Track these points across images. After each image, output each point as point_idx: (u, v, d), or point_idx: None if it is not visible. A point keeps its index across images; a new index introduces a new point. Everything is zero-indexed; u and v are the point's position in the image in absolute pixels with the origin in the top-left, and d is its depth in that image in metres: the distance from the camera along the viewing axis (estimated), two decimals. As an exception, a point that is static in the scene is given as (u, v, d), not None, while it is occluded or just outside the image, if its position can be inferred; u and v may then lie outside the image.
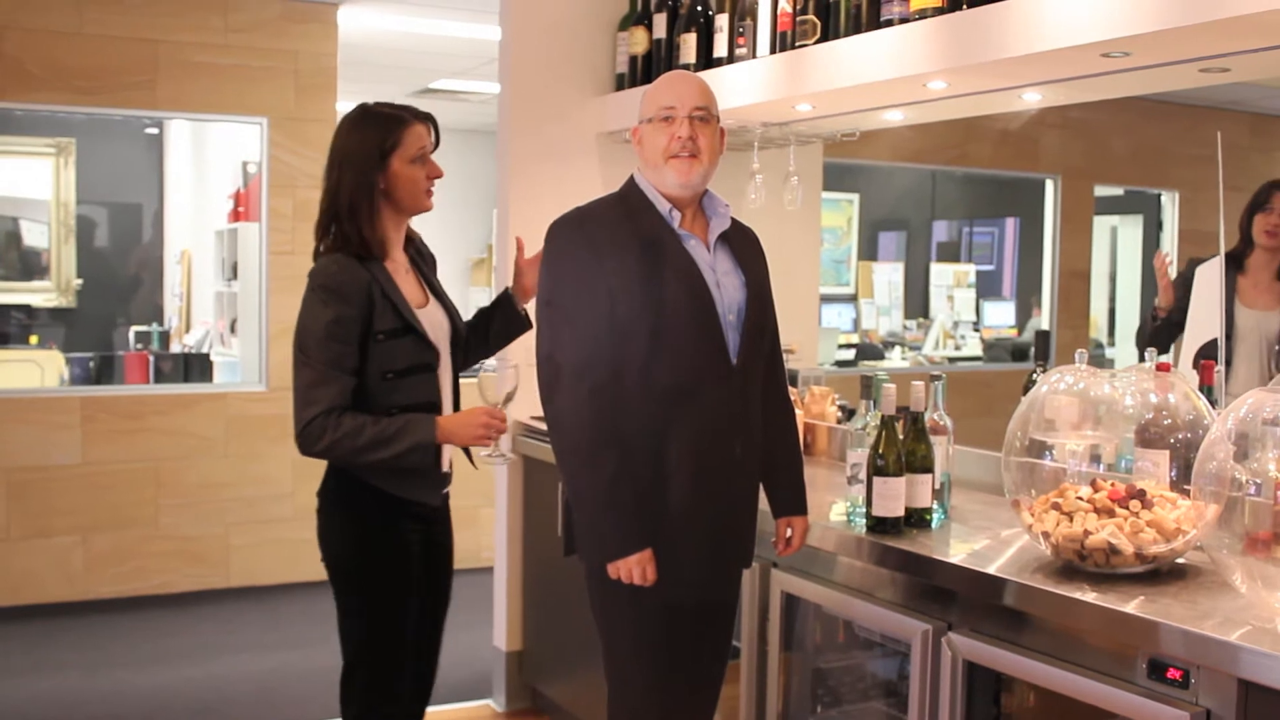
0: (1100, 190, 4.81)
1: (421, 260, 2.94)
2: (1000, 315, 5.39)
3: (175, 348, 7.61)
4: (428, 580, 2.86)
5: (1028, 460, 2.49)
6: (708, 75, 3.68)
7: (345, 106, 3.06)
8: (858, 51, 3.18)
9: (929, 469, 2.71)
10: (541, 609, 4.31)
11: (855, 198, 5.56)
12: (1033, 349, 3.13)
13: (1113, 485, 2.39)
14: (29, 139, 7.81)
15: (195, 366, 6.59)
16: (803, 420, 3.71)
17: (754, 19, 3.64)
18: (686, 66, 3.90)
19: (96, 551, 5.84)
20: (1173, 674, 2.02)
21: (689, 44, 3.94)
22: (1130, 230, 4.80)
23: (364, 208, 2.70)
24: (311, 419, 2.61)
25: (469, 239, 9.98)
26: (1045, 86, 3.06)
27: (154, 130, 8.23)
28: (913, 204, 5.62)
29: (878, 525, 2.66)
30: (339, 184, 2.71)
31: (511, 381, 2.81)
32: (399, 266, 2.80)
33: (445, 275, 3.15)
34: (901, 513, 2.67)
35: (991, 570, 2.36)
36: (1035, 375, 2.94)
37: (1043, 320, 4.70)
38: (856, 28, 3.22)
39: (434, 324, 2.81)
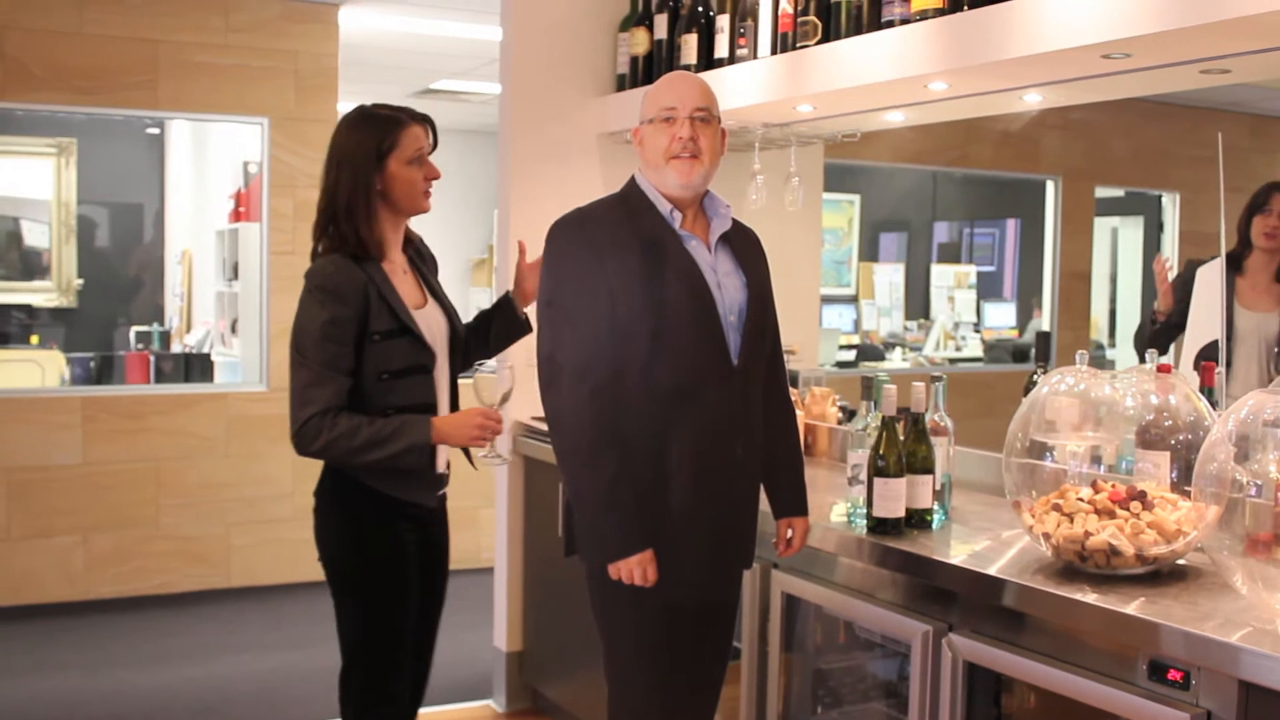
0: (1101, 191, 4.81)
1: (421, 261, 2.94)
2: (1001, 316, 5.39)
3: (176, 348, 7.61)
4: (423, 581, 2.86)
5: (1028, 461, 2.49)
6: (709, 76, 3.68)
7: (346, 107, 3.07)
8: (859, 52, 3.18)
9: (930, 470, 2.71)
10: (542, 609, 4.31)
11: (856, 199, 5.56)
12: (1033, 350, 3.13)
13: (1113, 486, 2.39)
14: (30, 139, 7.81)
15: (196, 366, 6.59)
16: (803, 421, 3.71)
17: (755, 20, 3.64)
18: (687, 67, 3.90)
19: (97, 551, 5.84)
20: (1173, 675, 2.02)
21: (690, 45, 3.94)
22: (1131, 231, 4.79)
23: (361, 208, 2.70)
24: (307, 419, 2.61)
25: (470, 239, 9.99)
26: (1046, 88, 3.06)
27: (155, 130, 8.23)
28: (914, 205, 5.62)
29: (878, 526, 2.67)
30: (336, 185, 2.72)
31: (507, 382, 2.81)
32: (397, 267, 2.81)
33: (446, 276, 3.15)
34: (902, 514, 2.67)
35: (992, 571, 2.36)
36: (1036, 376, 2.94)
37: (1043, 321, 4.70)
38: (857, 29, 3.23)
39: (431, 325, 2.81)
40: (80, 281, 8.01)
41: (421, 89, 8.04)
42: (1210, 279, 3.32)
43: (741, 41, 3.69)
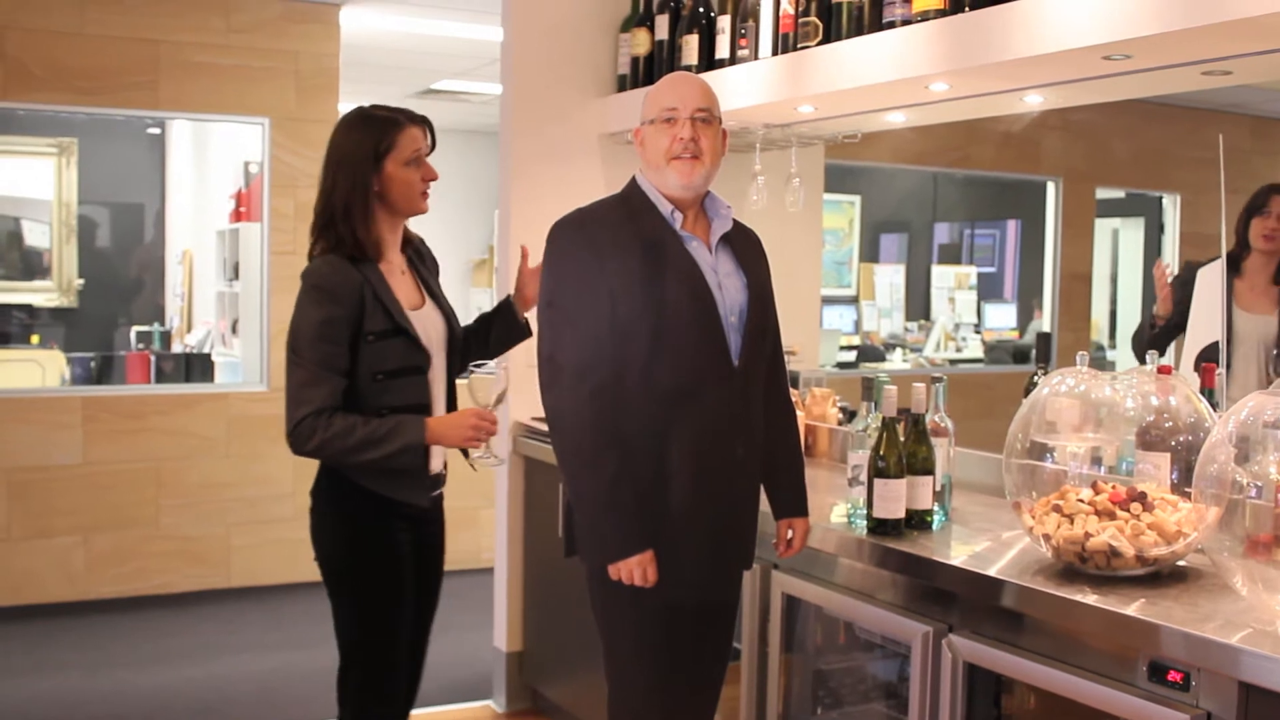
0: (1102, 193, 4.81)
1: (421, 262, 2.94)
2: (1001, 317, 5.39)
3: (176, 348, 7.62)
4: (418, 581, 2.86)
5: (1029, 462, 2.49)
6: (710, 77, 3.68)
7: (347, 107, 3.07)
8: (860, 53, 3.18)
9: (930, 471, 2.71)
10: (542, 610, 4.31)
11: (857, 199, 5.56)
12: (1034, 351, 3.13)
13: (1114, 488, 2.39)
14: (31, 139, 7.82)
15: (196, 366, 6.60)
16: (804, 422, 3.71)
17: (756, 20, 3.64)
18: (688, 68, 3.90)
19: (97, 551, 5.84)
20: (1173, 676, 2.02)
21: (691, 45, 3.94)
22: (1132, 233, 4.80)
23: (358, 209, 2.71)
24: (302, 418, 2.62)
25: (470, 240, 9.99)
26: (1047, 89, 3.06)
27: (156, 130, 8.23)
28: (914, 206, 5.62)
29: (878, 527, 2.67)
30: (334, 186, 2.73)
31: (502, 383, 2.81)
32: (394, 268, 2.81)
33: (446, 276, 3.16)
34: (902, 514, 2.67)
35: (992, 572, 2.36)
36: (1036, 377, 2.94)
37: (1044, 322, 4.70)
38: (858, 29, 3.23)
39: (428, 326, 2.81)
40: (81, 281, 8.01)
41: (422, 89, 8.04)
42: (1210, 280, 3.32)
43: (742, 42, 3.69)
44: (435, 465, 2.84)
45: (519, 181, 4.36)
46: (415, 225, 2.97)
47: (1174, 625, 2.00)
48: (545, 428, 2.58)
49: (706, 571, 2.53)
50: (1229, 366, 3.15)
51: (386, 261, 2.79)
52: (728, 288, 2.54)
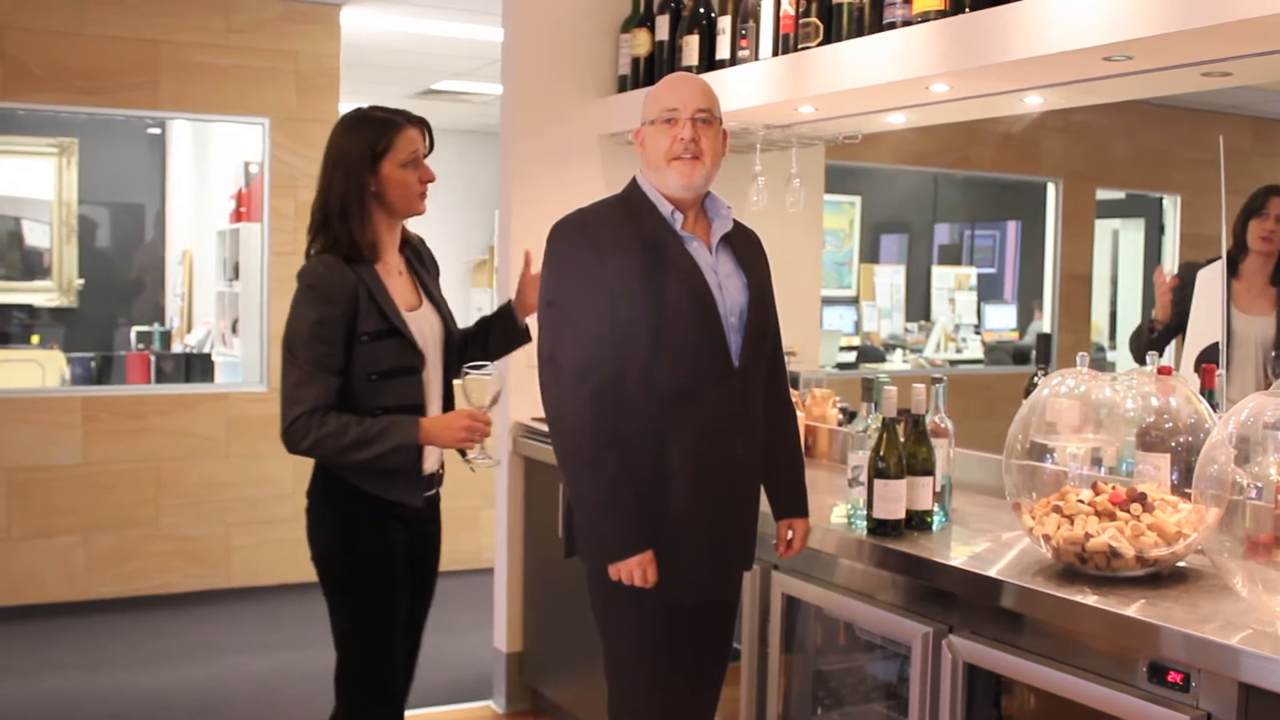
0: (1102, 194, 4.82)
1: (420, 263, 2.95)
2: (1001, 318, 5.39)
3: (177, 348, 7.61)
4: (411, 580, 2.86)
5: (1029, 463, 2.49)
6: (710, 77, 3.68)
7: (347, 107, 3.07)
8: (860, 54, 3.18)
9: (930, 472, 2.71)
10: (542, 610, 4.31)
11: (857, 200, 5.56)
12: (1034, 352, 3.13)
13: (1114, 488, 2.39)
14: (31, 139, 7.81)
15: (196, 366, 6.60)
16: (804, 422, 3.71)
17: (756, 21, 3.64)
18: (689, 68, 3.90)
19: (97, 551, 5.84)
20: (1173, 677, 2.02)
21: (691, 46, 3.94)
22: (1132, 234, 4.80)
23: (355, 210, 2.72)
24: (296, 417, 2.64)
25: (470, 240, 9.99)
26: (1047, 90, 3.06)
27: (156, 130, 8.23)
28: (914, 207, 5.62)
29: (878, 528, 2.67)
30: (331, 186, 2.74)
31: (496, 385, 2.80)
32: (391, 269, 2.82)
33: (446, 276, 3.16)
34: (902, 515, 2.67)
35: (992, 573, 2.36)
36: (1036, 378, 2.95)
37: (1044, 323, 4.70)
38: (859, 30, 3.23)
39: (424, 327, 2.82)
40: (81, 281, 8.01)
41: (423, 89, 8.04)
42: (1210, 281, 3.33)
43: (743, 43, 3.70)
44: (430, 465, 2.85)
45: (519, 182, 4.36)
46: (415, 225, 2.97)
47: (1174, 626, 2.00)
48: (545, 428, 2.58)
49: (706, 572, 2.53)
50: (1226, 367, 3.15)
51: (383, 262, 2.79)
52: (728, 288, 2.54)
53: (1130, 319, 4.56)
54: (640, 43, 4.20)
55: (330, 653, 2.85)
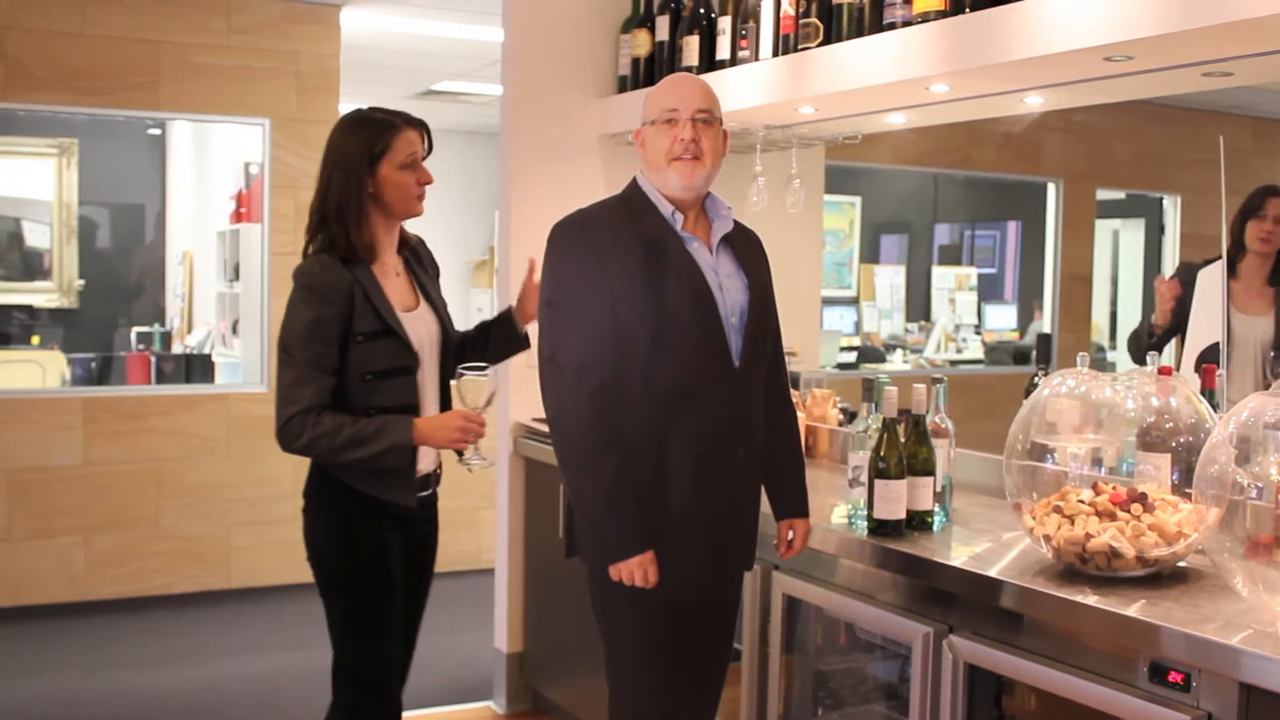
0: (1102, 194, 4.82)
1: (419, 264, 2.95)
2: (1002, 318, 5.40)
3: (177, 348, 7.62)
4: (406, 580, 2.87)
5: (1029, 463, 2.49)
6: (710, 78, 3.68)
7: (347, 108, 3.08)
8: (860, 54, 3.18)
9: (930, 472, 2.71)
10: (542, 610, 4.31)
11: (857, 200, 5.57)
12: (1034, 352, 3.13)
13: (1114, 488, 2.39)
14: (31, 139, 7.82)
15: (197, 367, 6.60)
16: (804, 423, 3.71)
17: (757, 21, 3.64)
18: (689, 69, 3.90)
19: (98, 552, 5.84)
20: (1174, 677, 2.02)
21: (691, 46, 3.94)
22: (1132, 234, 4.80)
23: (352, 210, 2.72)
24: (291, 416, 2.65)
25: (471, 241, 9.99)
26: (1048, 90, 3.06)
27: (156, 131, 8.23)
28: (915, 207, 5.62)
29: (879, 528, 2.67)
30: (329, 185, 2.75)
31: (491, 386, 2.81)
32: (388, 269, 2.82)
33: (446, 277, 3.16)
34: (903, 515, 2.67)
35: (993, 573, 2.36)
36: (1037, 378, 2.95)
37: (1044, 323, 4.70)
38: (859, 30, 3.23)
39: (419, 328, 2.82)
40: (81, 282, 8.01)
41: (423, 90, 8.04)
42: (1210, 281, 3.33)
43: (743, 43, 3.69)
44: (425, 466, 2.85)
45: (519, 182, 4.36)
46: (415, 226, 2.97)
47: (1175, 626, 2.00)
48: (545, 428, 2.58)
49: (707, 572, 2.53)
50: (1226, 368, 3.16)
51: (380, 263, 2.80)
52: (728, 288, 2.54)
53: (1130, 319, 4.57)
54: (640, 43, 4.20)
55: (330, 654, 2.85)
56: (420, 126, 2.82)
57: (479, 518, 6.11)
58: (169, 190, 8.39)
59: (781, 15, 3.53)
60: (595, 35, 4.42)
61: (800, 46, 3.43)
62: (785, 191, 3.98)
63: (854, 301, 5.53)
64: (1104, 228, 4.77)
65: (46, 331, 7.79)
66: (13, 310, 7.84)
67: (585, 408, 2.42)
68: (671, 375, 2.44)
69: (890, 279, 5.64)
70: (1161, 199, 4.58)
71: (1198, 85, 2.82)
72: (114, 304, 8.19)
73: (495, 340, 3.13)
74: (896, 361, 5.39)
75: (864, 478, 2.73)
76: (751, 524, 2.63)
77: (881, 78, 3.10)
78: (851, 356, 5.37)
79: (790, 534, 2.71)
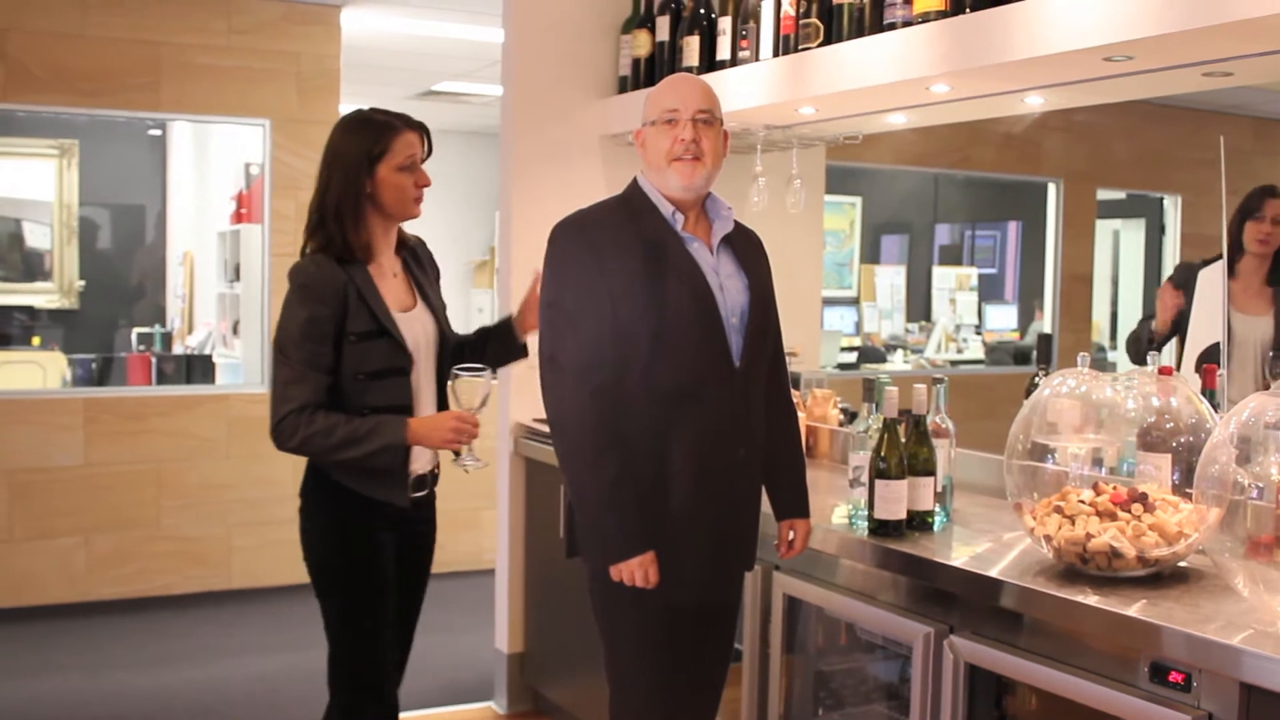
0: (1102, 194, 4.82)
1: (417, 265, 2.95)
2: (1002, 318, 5.40)
3: (177, 349, 7.62)
4: (400, 580, 2.87)
5: (1030, 463, 2.49)
6: (711, 78, 3.68)
7: (348, 108, 3.08)
8: (860, 55, 3.18)
9: (931, 472, 2.71)
10: (543, 611, 4.31)
11: (858, 201, 5.57)
12: (1035, 352, 3.13)
13: (1115, 488, 2.39)
14: (32, 140, 7.82)
15: (197, 368, 6.60)
16: (805, 423, 3.71)
17: (757, 22, 3.64)
18: (689, 69, 3.90)
19: (98, 553, 5.84)
20: (1175, 677, 2.02)
21: (692, 47, 3.94)
22: (1132, 234, 4.81)
23: (349, 211, 2.73)
24: (285, 415, 2.66)
25: (471, 241, 9.99)
26: (1048, 90, 3.06)
27: (157, 132, 8.24)
28: (915, 207, 5.63)
29: (879, 528, 2.67)
30: (328, 186, 2.76)
31: (486, 387, 2.81)
32: (385, 270, 2.83)
33: (446, 277, 3.16)
34: (903, 515, 2.67)
35: (993, 573, 2.36)
36: (1037, 378, 2.95)
37: (1045, 323, 4.71)
38: (859, 31, 3.23)
39: (415, 329, 2.82)
40: (82, 283, 8.01)
41: (423, 90, 8.04)
42: (1210, 281, 3.33)
43: (743, 44, 3.70)
44: (420, 466, 2.85)
45: (520, 183, 4.36)
46: (416, 226, 2.98)
47: (1175, 626, 2.00)
48: (546, 429, 2.58)
49: (708, 572, 2.53)
50: (1226, 368, 3.16)
51: (377, 263, 2.80)
52: (729, 289, 2.54)
53: (1131, 319, 4.57)
54: (640, 43, 4.20)
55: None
56: (420, 129, 2.82)
57: (480, 518, 6.11)
58: (169, 191, 8.39)
59: (782, 15, 3.53)
60: (595, 35, 4.42)
61: (800, 47, 3.43)
62: (786, 192, 3.98)
63: (854, 302, 5.54)
64: (1104, 228, 4.77)
65: (47, 332, 7.79)
66: (13, 311, 7.84)
67: (586, 408, 2.42)
68: (672, 376, 2.44)
69: (891, 279, 5.64)
70: (1162, 199, 4.58)
71: (1198, 85, 2.82)
72: (114, 305, 8.20)
73: (494, 348, 3.13)
74: (897, 362, 5.39)
75: (864, 478, 2.73)
76: (752, 524, 2.63)
77: (882, 78, 3.10)
78: (852, 357, 5.37)
79: (791, 534, 2.71)
